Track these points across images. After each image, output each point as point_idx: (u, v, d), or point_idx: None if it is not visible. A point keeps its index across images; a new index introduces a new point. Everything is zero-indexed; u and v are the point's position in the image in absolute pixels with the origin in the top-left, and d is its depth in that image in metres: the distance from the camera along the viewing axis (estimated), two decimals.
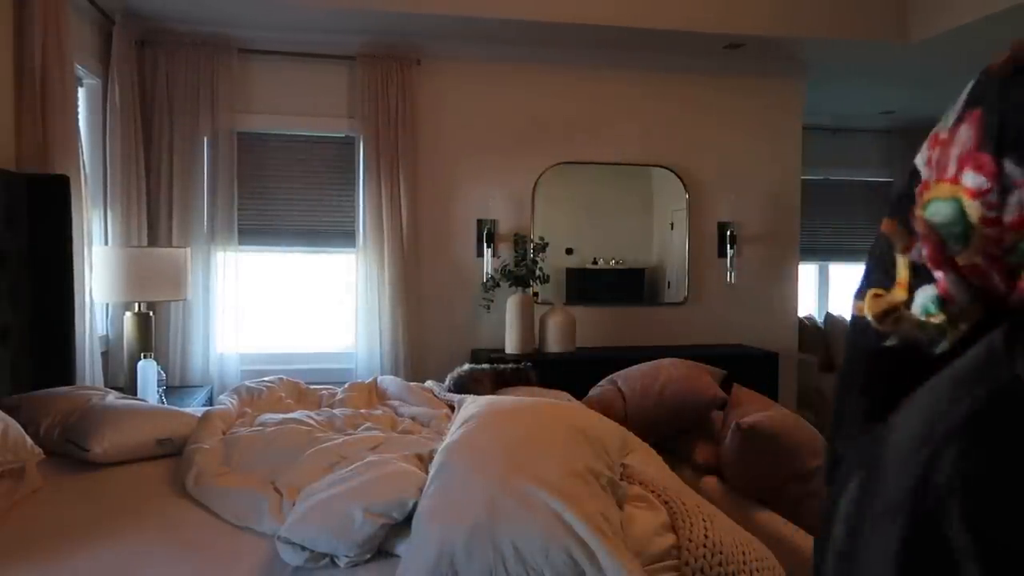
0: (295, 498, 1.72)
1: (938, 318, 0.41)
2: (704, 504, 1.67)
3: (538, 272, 4.58)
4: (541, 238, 4.69)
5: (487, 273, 4.66)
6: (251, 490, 1.84)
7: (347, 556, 1.53)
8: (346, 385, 2.99)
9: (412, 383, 3.01)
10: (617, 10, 4.26)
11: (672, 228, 5.10)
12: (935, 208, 0.41)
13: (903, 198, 0.45)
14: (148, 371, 3.31)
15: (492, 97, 4.76)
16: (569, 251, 4.96)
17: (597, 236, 5.02)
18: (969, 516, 0.35)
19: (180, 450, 2.19)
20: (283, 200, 4.61)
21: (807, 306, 6.62)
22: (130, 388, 3.42)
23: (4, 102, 2.96)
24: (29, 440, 1.95)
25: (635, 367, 2.78)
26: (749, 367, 4.53)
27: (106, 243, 3.92)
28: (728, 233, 5.03)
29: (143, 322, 3.61)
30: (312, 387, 2.98)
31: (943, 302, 0.41)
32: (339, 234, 4.65)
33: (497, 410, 1.77)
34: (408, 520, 1.54)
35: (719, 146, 5.07)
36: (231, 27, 4.30)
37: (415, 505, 1.54)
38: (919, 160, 0.45)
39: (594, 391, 2.78)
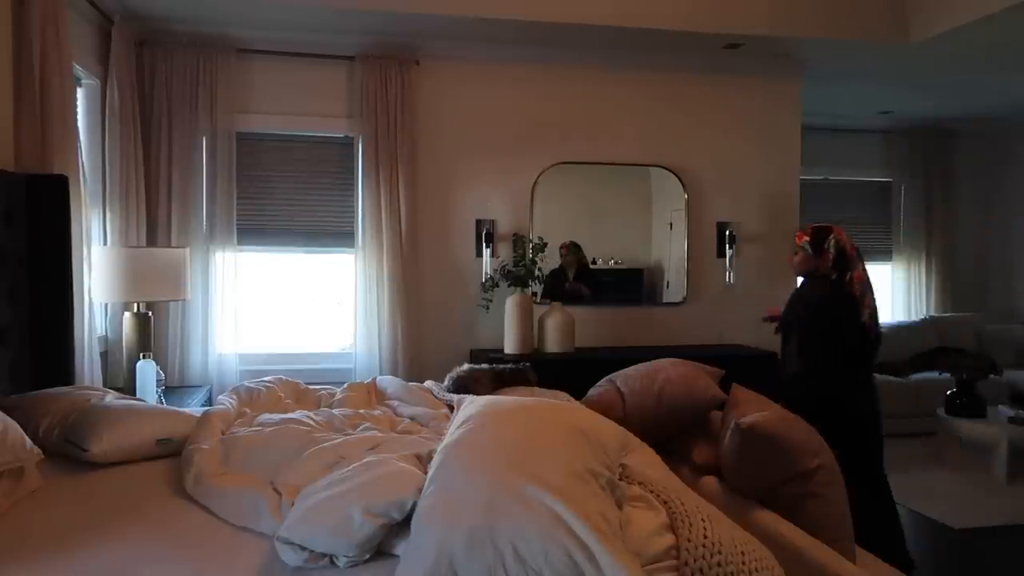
0: (294, 498, 1.72)
1: None
2: (703, 504, 1.67)
3: (537, 272, 4.58)
4: (540, 238, 4.69)
5: (486, 273, 4.66)
6: (250, 490, 1.83)
7: (346, 556, 1.53)
8: (345, 385, 2.99)
9: (411, 383, 3.01)
10: (616, 10, 4.26)
11: (671, 228, 5.11)
12: None
13: None
14: (147, 371, 3.31)
15: (491, 97, 4.76)
16: None
17: (596, 236, 5.03)
18: None
19: (179, 450, 2.19)
20: (282, 200, 4.62)
21: None
22: (129, 388, 3.41)
23: (3, 102, 2.95)
24: (28, 440, 1.95)
25: (634, 367, 2.77)
26: (748, 367, 4.53)
27: (105, 243, 3.92)
28: (727, 233, 5.04)
29: (142, 322, 3.61)
30: (311, 387, 2.98)
31: None
32: (338, 234, 4.65)
33: (496, 410, 1.77)
34: (407, 520, 1.53)
35: (718, 146, 5.07)
36: (230, 27, 4.30)
37: (414, 505, 1.54)
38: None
39: (593, 391, 2.77)
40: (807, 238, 3.40)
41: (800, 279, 3.57)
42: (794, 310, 3.47)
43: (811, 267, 3.40)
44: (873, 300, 3.33)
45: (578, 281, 4.97)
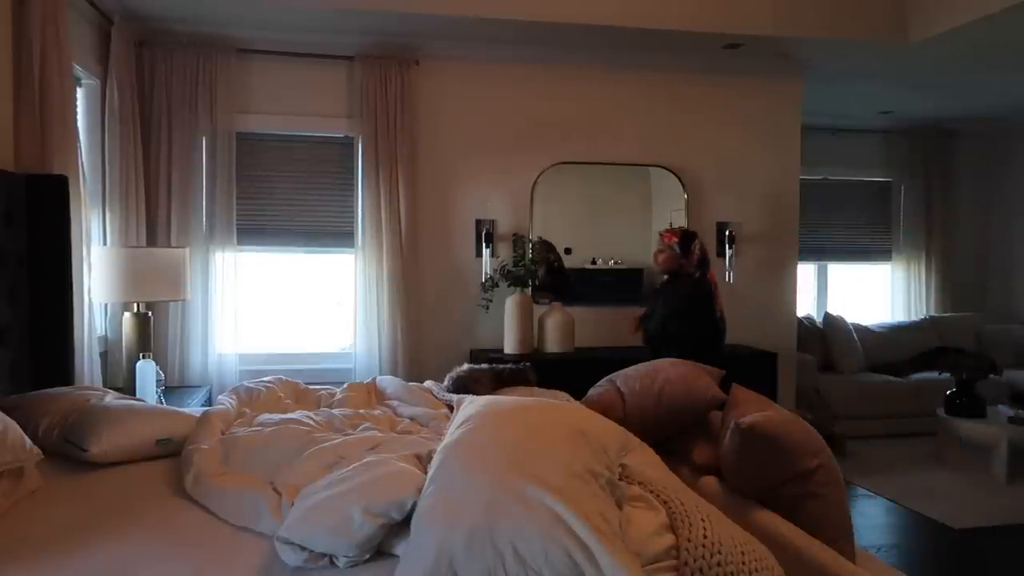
0: (294, 498, 1.72)
1: None
2: (703, 504, 1.67)
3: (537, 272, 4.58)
4: (540, 238, 4.68)
5: (486, 273, 4.66)
6: (250, 490, 1.83)
7: (346, 556, 1.53)
8: (345, 385, 2.98)
9: (411, 383, 3.00)
10: (616, 10, 4.26)
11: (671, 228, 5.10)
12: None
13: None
14: (147, 371, 3.31)
15: (491, 97, 4.76)
16: (568, 251, 4.96)
17: (596, 236, 5.03)
18: None
19: (179, 450, 2.19)
20: (282, 200, 4.62)
21: (806, 306, 6.62)
22: (129, 388, 3.42)
23: (3, 102, 2.96)
24: (28, 440, 1.95)
25: (634, 367, 2.77)
26: (748, 367, 4.53)
27: (105, 243, 3.92)
28: (727, 233, 5.04)
29: (142, 322, 3.61)
30: (311, 387, 2.98)
31: None
32: (338, 234, 4.65)
33: (496, 410, 1.77)
34: (407, 520, 1.53)
35: (718, 146, 5.07)
36: (230, 27, 4.30)
37: (414, 505, 1.54)
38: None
39: (593, 391, 2.77)
40: (676, 239, 3.88)
41: (663, 276, 4.07)
42: (667, 304, 3.89)
43: (676, 265, 3.87)
44: (720, 297, 3.93)
45: (550, 280, 4.79)
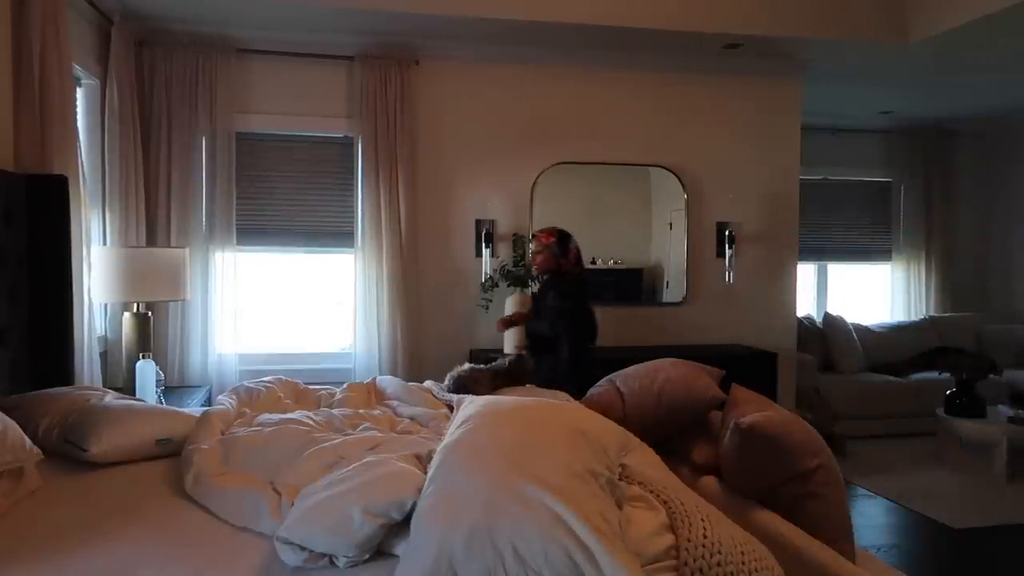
0: (294, 498, 1.72)
1: None
2: (703, 504, 1.67)
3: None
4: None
5: (486, 273, 4.66)
6: (250, 490, 1.83)
7: (346, 556, 1.53)
8: (345, 385, 2.98)
9: (411, 383, 3.00)
10: (616, 10, 4.27)
11: (671, 228, 5.11)
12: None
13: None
14: (147, 371, 3.31)
15: (491, 97, 4.76)
16: None
17: (596, 236, 5.02)
18: None
19: (179, 450, 2.19)
20: (281, 200, 4.62)
21: (806, 306, 6.62)
22: (129, 388, 3.41)
23: (3, 102, 2.95)
24: (28, 440, 1.95)
25: (634, 367, 2.77)
26: (748, 367, 4.53)
27: (104, 243, 3.92)
28: (727, 233, 5.04)
29: (142, 322, 3.61)
30: (311, 387, 2.98)
31: None
32: (338, 234, 4.65)
33: (496, 410, 1.77)
34: (407, 520, 1.53)
35: (718, 146, 5.07)
36: (230, 27, 4.30)
37: (414, 505, 1.54)
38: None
39: (593, 391, 2.77)
40: (553, 239, 3.79)
41: (539, 277, 4.03)
42: (556, 301, 3.75)
43: (555, 265, 3.79)
44: None
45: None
